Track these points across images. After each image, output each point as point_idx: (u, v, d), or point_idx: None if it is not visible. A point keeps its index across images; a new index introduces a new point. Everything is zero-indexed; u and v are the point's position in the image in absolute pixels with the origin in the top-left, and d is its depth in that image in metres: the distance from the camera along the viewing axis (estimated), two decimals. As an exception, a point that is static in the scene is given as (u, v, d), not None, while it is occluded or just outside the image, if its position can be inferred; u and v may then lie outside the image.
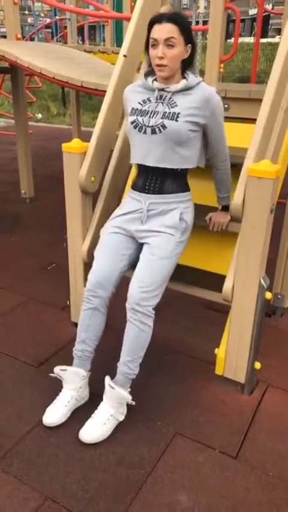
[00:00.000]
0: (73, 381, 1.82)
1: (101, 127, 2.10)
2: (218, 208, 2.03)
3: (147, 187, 1.82)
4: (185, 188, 1.87)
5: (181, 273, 1.99)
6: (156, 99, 1.77)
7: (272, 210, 1.70)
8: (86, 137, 2.20)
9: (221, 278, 1.88)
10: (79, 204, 2.11)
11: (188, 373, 2.08)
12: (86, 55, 4.05)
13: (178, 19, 1.67)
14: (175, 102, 1.74)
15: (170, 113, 1.72)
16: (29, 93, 8.32)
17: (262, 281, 1.77)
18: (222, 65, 3.16)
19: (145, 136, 1.76)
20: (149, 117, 1.75)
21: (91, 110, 9.98)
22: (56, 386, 1.85)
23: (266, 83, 1.83)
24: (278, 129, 1.83)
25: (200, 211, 2.02)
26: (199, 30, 8.20)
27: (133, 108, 1.81)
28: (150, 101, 1.78)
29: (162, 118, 1.72)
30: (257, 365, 1.93)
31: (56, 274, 3.01)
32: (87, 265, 2.15)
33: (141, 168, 1.83)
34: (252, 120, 1.85)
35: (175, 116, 1.71)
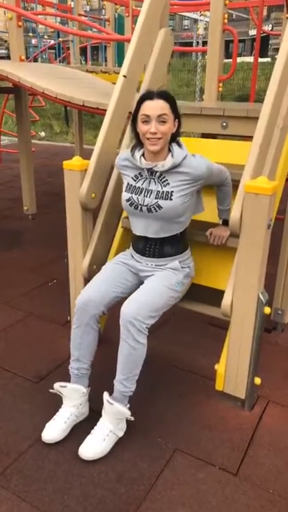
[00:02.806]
0: (73, 397, 1.82)
1: (102, 145, 2.14)
2: (219, 223, 2.06)
3: (147, 252, 1.91)
4: (184, 248, 1.95)
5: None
6: (148, 175, 1.83)
7: (270, 226, 1.72)
8: (88, 155, 2.24)
9: (221, 293, 1.89)
10: (80, 220, 2.13)
11: (188, 389, 2.08)
12: (88, 75, 4.14)
13: (168, 96, 1.74)
14: (166, 180, 1.80)
15: (163, 192, 1.79)
16: (32, 112, 8.45)
17: (261, 296, 1.78)
18: (221, 84, 3.23)
19: (142, 213, 1.83)
20: (144, 195, 1.81)
21: (93, 128, 10.12)
22: (56, 402, 1.85)
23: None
24: (274, 147, 1.87)
25: (200, 227, 2.04)
26: (199, 51, 8.37)
27: (128, 184, 1.88)
28: (141, 175, 1.85)
29: (156, 198, 1.79)
30: (257, 380, 1.92)
31: (56, 290, 3.02)
32: (88, 281, 2.16)
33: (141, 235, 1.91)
34: (251, 138, 1.89)
35: (169, 195, 1.78)
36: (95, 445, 1.68)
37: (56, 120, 11.34)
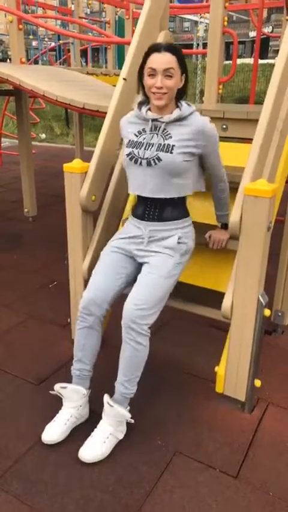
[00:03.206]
0: (73, 398, 1.82)
1: (102, 147, 2.15)
2: (218, 226, 2.06)
3: (146, 215, 1.85)
4: (184, 214, 1.89)
5: (181, 291, 2.00)
6: (151, 130, 1.79)
7: (269, 228, 1.72)
8: (88, 157, 2.24)
9: (221, 295, 1.89)
10: (80, 222, 2.14)
11: (189, 391, 2.08)
12: (88, 77, 4.15)
13: (176, 50, 1.71)
14: (169, 134, 1.76)
15: (164, 145, 1.75)
16: (33, 114, 8.46)
17: (261, 298, 1.78)
18: (221, 86, 3.24)
19: (141, 168, 1.79)
20: (144, 149, 1.78)
21: (94, 130, 10.14)
22: (56, 404, 1.85)
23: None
24: (274, 149, 1.87)
25: (200, 229, 2.04)
26: (199, 53, 8.38)
27: (129, 140, 1.84)
28: (145, 131, 1.81)
29: (157, 150, 1.75)
30: (257, 383, 1.92)
31: (57, 292, 3.02)
32: (88, 283, 2.16)
33: (140, 197, 1.87)
34: (251, 140, 1.89)
35: (170, 148, 1.74)
36: (95, 448, 1.68)
37: (56, 122, 11.36)
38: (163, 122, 1.77)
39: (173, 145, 1.74)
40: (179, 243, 1.83)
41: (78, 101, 2.87)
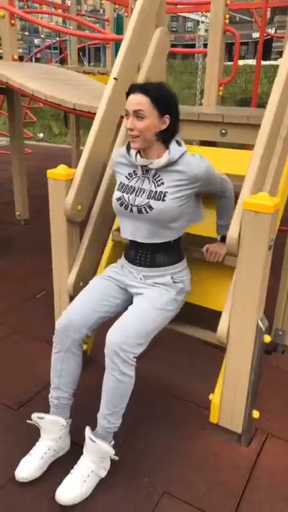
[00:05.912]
0: (52, 430, 1.66)
1: (90, 152, 1.98)
2: (217, 239, 1.90)
3: (138, 260, 1.74)
4: (178, 259, 1.77)
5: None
6: (142, 173, 1.68)
7: (271, 247, 1.55)
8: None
9: (217, 314, 1.73)
10: (65, 233, 1.97)
11: (180, 419, 1.91)
12: (83, 77, 3.99)
13: (150, 90, 1.56)
14: (161, 179, 1.64)
15: (156, 192, 1.63)
16: (29, 113, 8.29)
17: (260, 323, 1.61)
18: (221, 88, 3.08)
19: (132, 214, 1.67)
20: (135, 195, 1.66)
21: (93, 129, 9.98)
22: (37, 432, 1.68)
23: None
24: (276, 159, 1.70)
25: (197, 242, 1.89)
26: (200, 53, 8.23)
27: (121, 183, 1.73)
28: (136, 174, 1.70)
29: (148, 198, 1.63)
30: (256, 414, 1.75)
31: (45, 303, 2.85)
32: (73, 299, 2.00)
33: (131, 240, 1.74)
34: (252, 146, 1.73)
35: (162, 196, 1.61)
36: (74, 488, 1.51)
37: (55, 121, 11.20)
38: (153, 168, 1.64)
39: (166, 192, 1.62)
40: (174, 282, 1.73)
41: (69, 101, 2.71)
